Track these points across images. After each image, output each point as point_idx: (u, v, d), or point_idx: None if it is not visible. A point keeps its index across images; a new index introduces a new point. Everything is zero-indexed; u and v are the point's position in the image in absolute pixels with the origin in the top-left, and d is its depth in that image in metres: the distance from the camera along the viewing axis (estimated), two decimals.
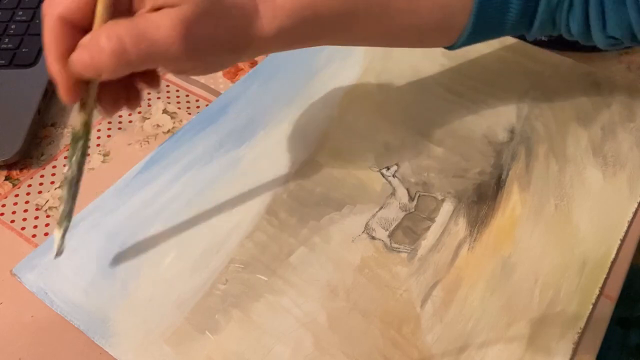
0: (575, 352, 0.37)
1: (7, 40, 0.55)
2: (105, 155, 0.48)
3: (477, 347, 0.37)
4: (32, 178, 0.47)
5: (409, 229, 0.43)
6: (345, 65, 0.54)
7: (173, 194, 0.44)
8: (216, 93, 0.53)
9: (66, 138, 0.49)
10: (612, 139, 0.48)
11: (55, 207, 0.44)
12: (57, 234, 0.36)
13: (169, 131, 0.50)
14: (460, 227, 0.43)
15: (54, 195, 0.45)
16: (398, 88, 0.53)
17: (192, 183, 0.45)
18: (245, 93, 0.52)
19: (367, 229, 0.43)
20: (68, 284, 0.39)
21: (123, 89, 0.33)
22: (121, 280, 0.40)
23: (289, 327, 0.38)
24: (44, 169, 0.47)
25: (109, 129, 0.50)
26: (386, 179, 0.46)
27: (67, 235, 0.36)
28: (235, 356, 0.37)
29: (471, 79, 0.53)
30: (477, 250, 0.42)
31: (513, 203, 0.44)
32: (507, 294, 0.39)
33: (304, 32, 0.36)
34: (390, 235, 0.43)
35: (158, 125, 0.51)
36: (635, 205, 0.44)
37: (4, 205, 0.45)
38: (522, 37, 0.57)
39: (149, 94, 0.53)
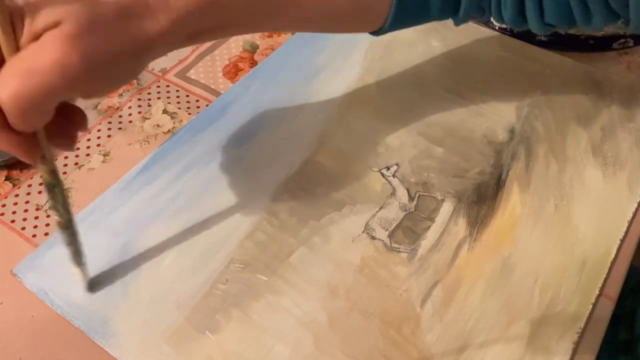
0: (575, 352, 0.37)
1: None
2: (105, 155, 0.48)
3: (477, 347, 0.37)
4: (32, 178, 0.47)
5: (409, 229, 0.43)
6: (345, 65, 0.54)
7: (173, 194, 0.44)
8: (216, 93, 0.53)
9: None
10: (611, 139, 0.48)
11: None
12: (78, 273, 0.37)
13: (169, 131, 0.50)
14: (460, 227, 0.43)
15: None
16: (398, 88, 0.53)
17: (192, 183, 0.45)
18: (245, 93, 0.52)
19: (367, 229, 0.43)
20: (68, 284, 0.39)
21: (64, 118, 0.31)
22: (121, 280, 0.40)
23: (289, 326, 0.38)
24: None
25: (109, 129, 0.50)
26: (386, 179, 0.46)
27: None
28: (235, 356, 0.37)
29: (471, 79, 0.53)
30: (477, 250, 0.42)
31: (513, 203, 0.44)
32: (507, 294, 0.39)
33: (205, 21, 0.33)
34: (390, 235, 0.43)
35: (158, 125, 0.51)
36: (635, 205, 0.44)
37: (4, 205, 0.45)
38: (522, 38, 0.57)
39: (149, 94, 0.53)
